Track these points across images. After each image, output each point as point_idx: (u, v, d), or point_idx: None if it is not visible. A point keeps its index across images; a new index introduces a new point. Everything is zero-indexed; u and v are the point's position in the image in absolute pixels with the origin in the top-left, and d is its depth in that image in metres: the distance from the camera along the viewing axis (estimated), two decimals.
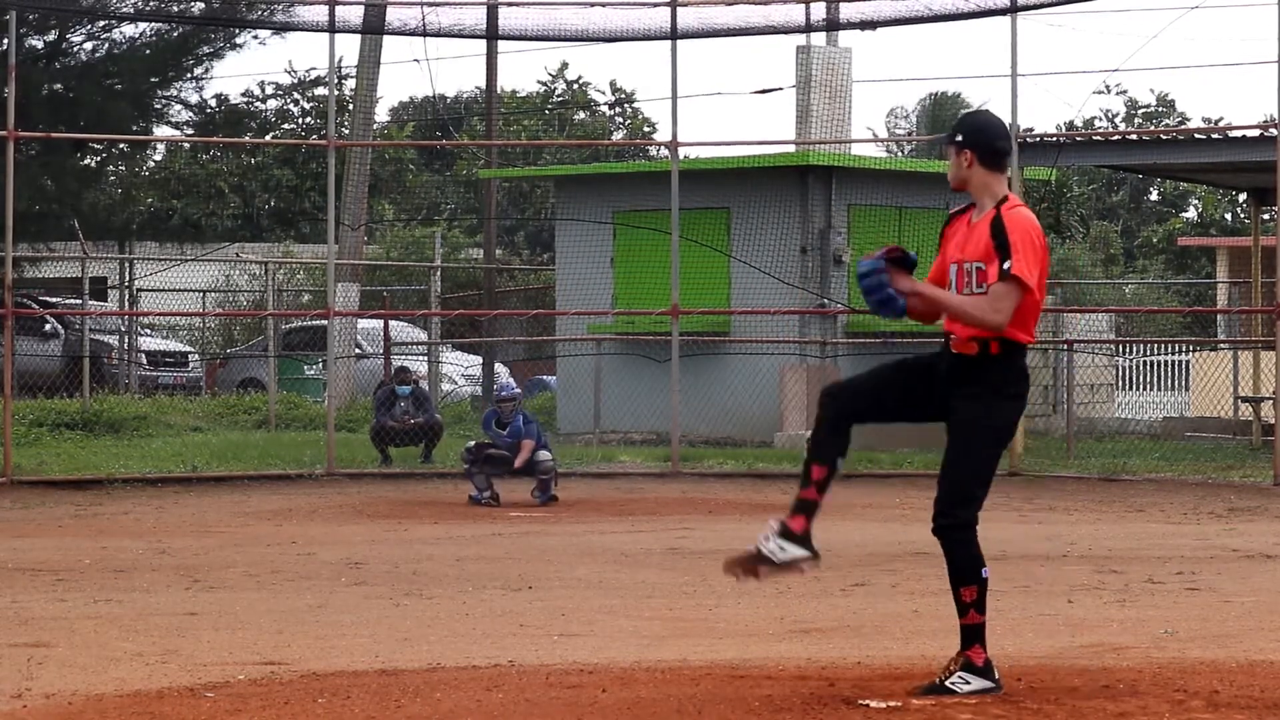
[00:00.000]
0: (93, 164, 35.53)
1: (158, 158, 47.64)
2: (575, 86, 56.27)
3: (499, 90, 37.47)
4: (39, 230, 31.96)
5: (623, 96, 56.63)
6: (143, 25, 31.44)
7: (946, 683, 7.33)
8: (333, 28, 21.48)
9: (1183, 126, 52.41)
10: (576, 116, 55.42)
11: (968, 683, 7.31)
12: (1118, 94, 59.06)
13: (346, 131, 29.94)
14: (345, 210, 28.78)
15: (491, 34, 26.12)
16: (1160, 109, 58.85)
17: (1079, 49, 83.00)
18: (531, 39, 23.35)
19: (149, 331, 34.08)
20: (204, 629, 9.86)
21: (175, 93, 33.38)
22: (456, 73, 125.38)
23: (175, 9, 30.54)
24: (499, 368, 31.35)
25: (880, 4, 21.99)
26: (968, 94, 58.47)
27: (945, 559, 7.36)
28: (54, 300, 33.32)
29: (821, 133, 26.12)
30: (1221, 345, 29.01)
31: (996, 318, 7.24)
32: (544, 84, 56.22)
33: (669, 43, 21.55)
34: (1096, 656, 8.67)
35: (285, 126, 49.50)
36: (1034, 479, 20.28)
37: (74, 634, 9.67)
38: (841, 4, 22.76)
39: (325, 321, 23.80)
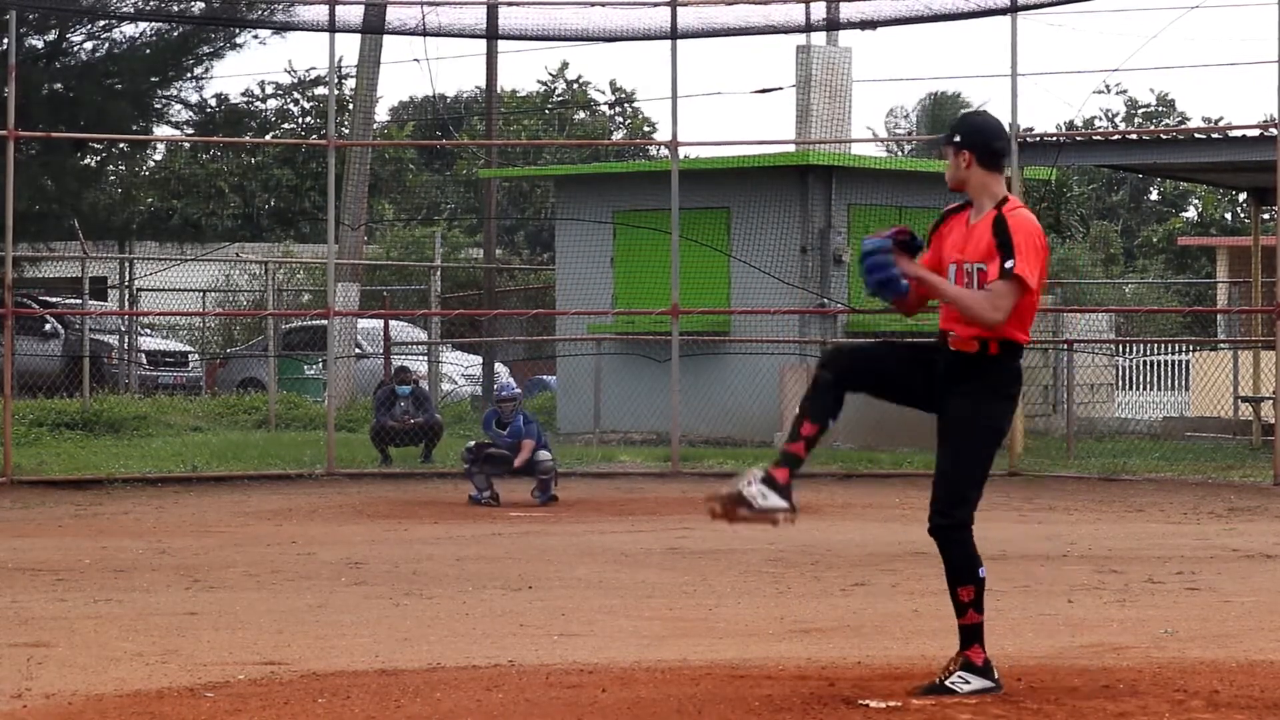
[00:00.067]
0: (93, 164, 35.53)
1: (158, 157, 47.67)
2: (575, 86, 56.29)
3: (499, 90, 37.47)
4: (39, 230, 31.97)
5: (623, 96, 56.65)
6: (143, 25, 31.45)
7: (946, 682, 7.33)
8: (333, 27, 21.48)
9: (1183, 126, 52.41)
10: (576, 116, 55.43)
11: (968, 682, 7.31)
12: (1118, 94, 59.11)
13: (346, 131, 29.95)
14: (345, 210, 28.79)
15: (491, 34, 26.12)
16: (1160, 109, 58.85)
17: (1079, 49, 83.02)
18: (531, 39, 23.36)
19: (149, 331, 34.08)
20: (204, 629, 9.86)
21: (175, 92, 33.41)
22: (456, 72, 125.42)
23: (175, 9, 30.53)
24: (499, 368, 31.35)
25: (880, 4, 22.00)
26: (968, 94, 58.48)
27: (942, 559, 7.36)
28: (54, 300, 33.33)
29: (821, 132, 26.12)
30: (1221, 345, 29.01)
31: (995, 315, 7.24)
32: (544, 84, 56.26)
33: (669, 42, 21.55)
34: (1096, 656, 8.67)
35: (285, 126, 49.51)
36: (1034, 479, 20.28)
37: (74, 634, 9.67)
38: (841, 4, 22.76)
39: (325, 321, 23.81)
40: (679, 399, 21.89)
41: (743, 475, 7.34)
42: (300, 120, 50.09)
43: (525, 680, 7.94)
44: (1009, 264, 7.25)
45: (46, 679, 8.21)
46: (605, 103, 56.58)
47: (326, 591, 11.52)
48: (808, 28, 23.39)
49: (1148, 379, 35.29)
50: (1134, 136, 29.90)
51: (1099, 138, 31.27)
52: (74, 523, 16.45)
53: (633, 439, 25.16)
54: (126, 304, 33.59)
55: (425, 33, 22.68)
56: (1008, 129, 21.73)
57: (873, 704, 7.19)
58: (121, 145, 35.91)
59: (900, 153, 51.14)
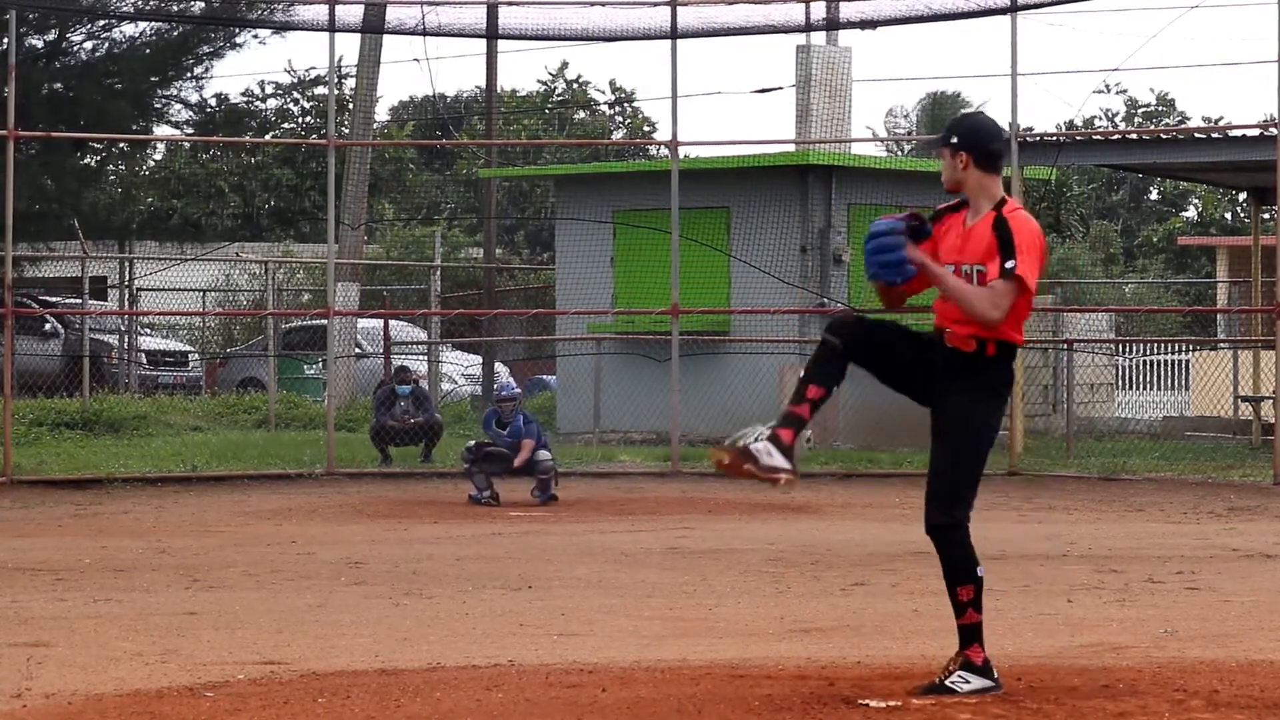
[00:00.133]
0: (93, 163, 35.54)
1: (158, 157, 47.70)
2: (575, 86, 56.30)
3: (499, 90, 37.47)
4: (39, 230, 31.97)
5: (623, 96, 56.66)
6: (143, 24, 31.46)
7: (946, 682, 7.33)
8: (333, 27, 21.48)
9: (1183, 126, 52.42)
10: (576, 116, 55.44)
11: (968, 682, 7.31)
12: (1118, 93, 59.12)
13: (346, 131, 29.95)
14: (345, 210, 28.79)
15: (491, 33, 26.12)
16: (1160, 108, 58.86)
17: (1079, 49, 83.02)
18: (531, 38, 23.36)
19: (149, 331, 34.09)
20: (204, 629, 9.86)
21: (175, 92, 33.42)
22: (456, 72, 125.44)
23: (175, 8, 30.54)
24: (499, 367, 31.35)
25: (880, 3, 22.00)
26: (967, 93, 58.52)
27: (940, 559, 7.36)
28: (54, 300, 33.33)
29: (821, 132, 26.12)
30: (1221, 345, 29.01)
31: (995, 314, 7.24)
32: (544, 83, 56.28)
33: (669, 42, 21.56)
34: (1096, 656, 8.67)
35: (285, 126, 49.53)
36: (1034, 479, 20.28)
37: (74, 634, 9.67)
38: (841, 3, 22.76)
39: (325, 321, 23.81)
40: (679, 399, 21.89)
41: (749, 431, 7.29)
42: (300, 120, 50.11)
43: (525, 680, 7.94)
44: (1009, 264, 7.25)
45: (46, 679, 8.21)
46: (605, 102, 56.61)
47: (326, 591, 11.52)
48: (808, 27, 23.39)
49: (1148, 379, 35.30)
50: (1134, 136, 29.91)
51: (1099, 137, 31.27)
52: (74, 522, 16.45)
53: (632, 439, 25.16)
54: (126, 304, 33.60)
55: (425, 32, 22.69)
56: (1007, 129, 21.73)
57: (873, 704, 7.19)
58: (121, 145, 35.92)
59: (900, 152, 51.14)
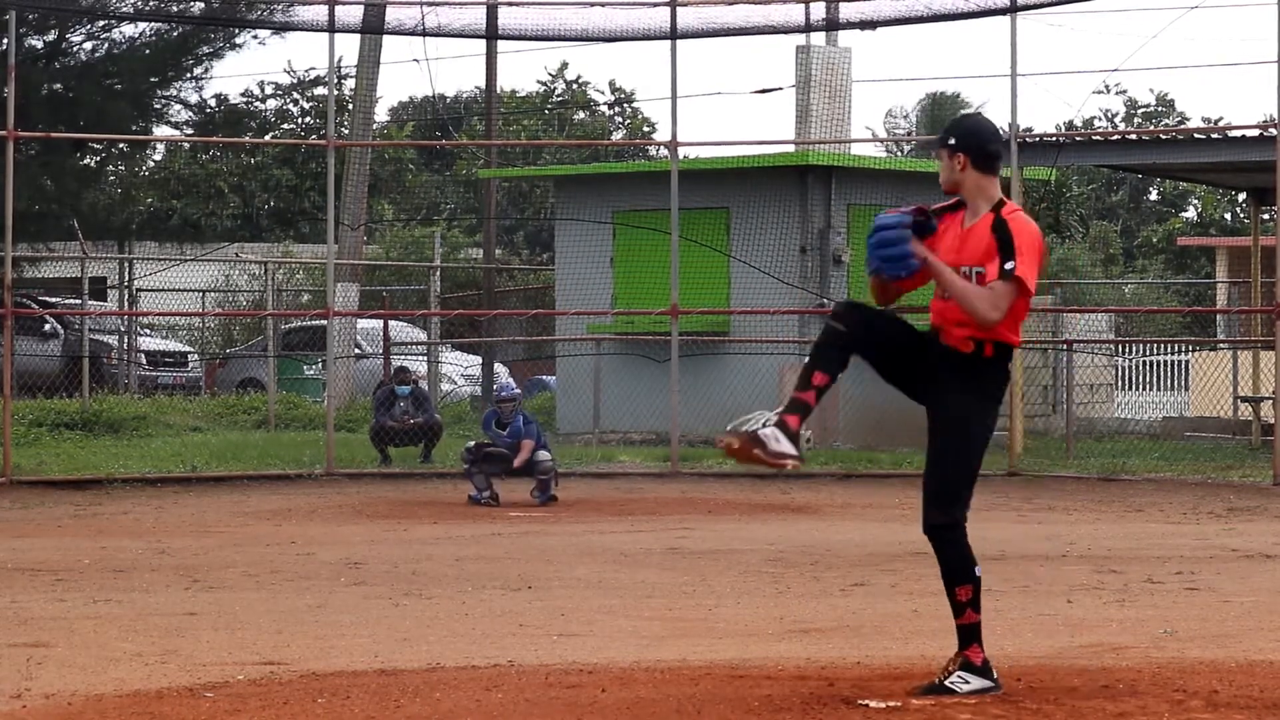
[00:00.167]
0: (92, 164, 35.54)
1: (157, 158, 47.69)
2: (575, 86, 56.29)
3: (499, 90, 37.47)
4: (39, 230, 31.97)
5: (622, 96, 56.66)
6: (142, 25, 31.46)
7: (946, 682, 7.33)
8: (332, 27, 21.48)
9: (1182, 126, 52.41)
10: (576, 116, 55.44)
11: (967, 682, 7.31)
12: (1117, 94, 59.11)
13: (346, 131, 29.95)
14: (345, 210, 28.79)
15: (491, 34, 26.13)
16: (1160, 109, 58.85)
17: (1079, 49, 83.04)
18: (531, 39, 23.35)
19: (148, 331, 34.09)
20: (203, 629, 9.86)
21: (175, 93, 33.43)
22: (456, 73, 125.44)
23: (175, 9, 30.54)
24: (499, 368, 31.35)
25: (880, 4, 22.00)
26: (967, 94, 58.51)
27: (938, 560, 7.36)
28: (54, 300, 33.32)
29: (821, 132, 26.12)
30: (1221, 345, 29.02)
31: (994, 314, 7.24)
32: (544, 84, 56.27)
33: (669, 42, 21.56)
34: (1096, 656, 8.67)
35: (285, 126, 49.52)
36: (1033, 479, 20.28)
37: (73, 634, 9.67)
38: (841, 4, 22.77)
39: (325, 321, 23.81)
40: (678, 399, 21.89)
41: (756, 416, 7.28)
42: (300, 120, 50.11)
43: (525, 680, 7.94)
44: (1009, 265, 7.24)
45: (46, 679, 8.21)
46: (605, 103, 56.61)
47: (326, 591, 11.52)
48: (807, 28, 23.39)
49: (1147, 379, 35.30)
50: (1134, 136, 29.91)
51: (1099, 138, 31.27)
52: (73, 523, 16.45)
53: (632, 439, 25.16)
54: (126, 304, 33.59)
55: (425, 33, 22.69)
56: (1007, 129, 21.74)
57: (872, 704, 7.19)
58: (121, 145, 35.92)
59: (900, 153, 51.15)
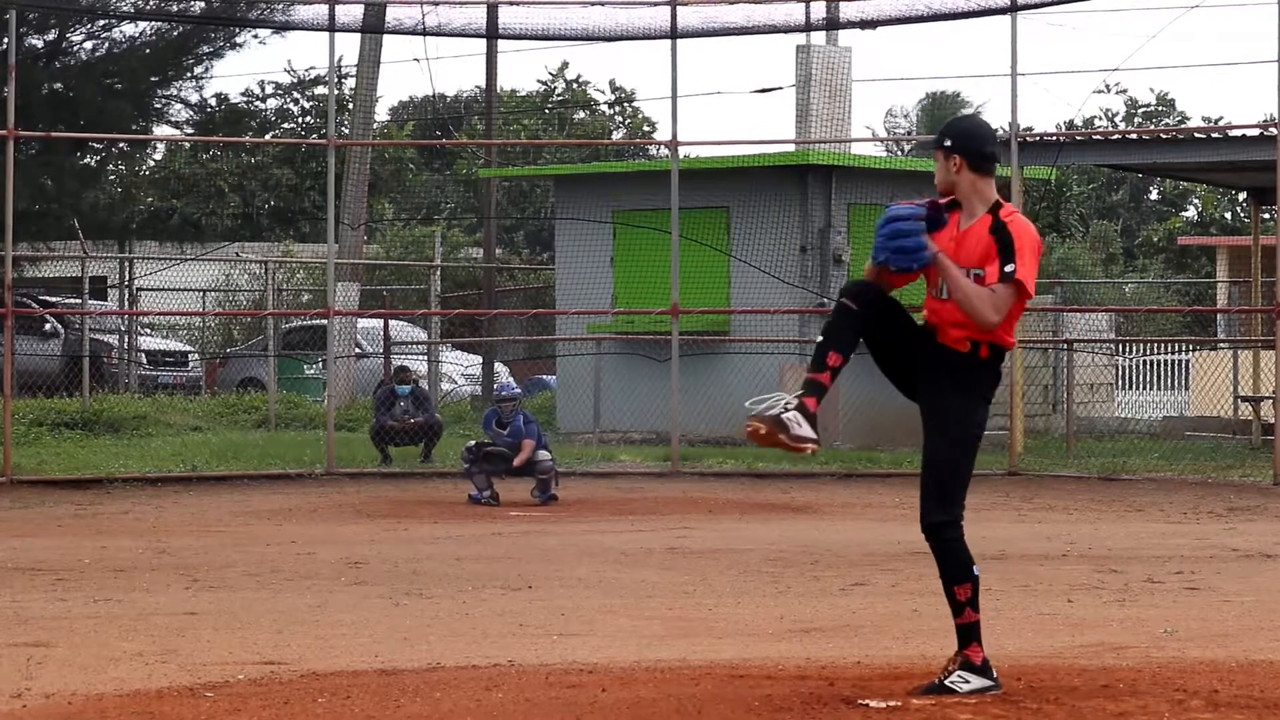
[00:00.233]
0: (92, 163, 35.54)
1: (158, 157, 47.72)
2: (575, 86, 56.30)
3: (499, 89, 37.47)
4: (39, 230, 31.97)
5: (623, 96, 56.66)
6: (143, 24, 31.48)
7: (946, 682, 7.34)
8: (333, 27, 21.48)
9: (1182, 126, 52.41)
10: (576, 116, 55.44)
11: (967, 681, 7.31)
12: (1117, 93, 59.07)
13: (346, 131, 29.95)
14: (345, 209, 28.79)
15: (491, 33, 26.13)
16: (1160, 108, 58.83)
17: (1079, 49, 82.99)
18: (531, 38, 23.36)
19: (149, 331, 34.09)
20: (204, 628, 9.87)
21: (175, 92, 33.42)
22: (456, 72, 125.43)
23: (175, 8, 30.55)
24: (499, 367, 31.36)
25: (880, 3, 22.00)
26: (967, 93, 58.50)
27: (936, 560, 7.36)
28: (54, 300, 33.32)
29: (821, 132, 26.11)
30: (1221, 345, 29.01)
31: (995, 317, 7.24)
32: (544, 83, 56.29)
33: (669, 42, 21.56)
34: (1096, 656, 8.67)
35: (285, 126, 49.54)
36: (1034, 478, 20.28)
37: (74, 634, 9.67)
38: (841, 3, 22.77)
39: (325, 321, 23.81)
40: (679, 399, 21.90)
41: (777, 400, 7.28)
42: (300, 120, 50.13)
43: (525, 680, 7.94)
44: (1009, 268, 7.24)
45: (46, 679, 8.21)
46: (605, 102, 56.61)
47: (327, 591, 11.52)
48: (808, 27, 23.39)
49: (1148, 379, 35.29)
50: (1134, 136, 29.89)
51: (1099, 137, 31.27)
52: (74, 522, 16.45)
53: (632, 438, 25.16)
54: (126, 304, 33.58)
55: (425, 32, 22.69)
56: (1007, 128, 21.74)
57: (872, 704, 7.19)
58: (121, 145, 35.92)
59: (900, 152, 51.16)
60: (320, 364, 30.29)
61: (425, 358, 29.83)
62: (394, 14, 23.57)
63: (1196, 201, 55.05)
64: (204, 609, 10.67)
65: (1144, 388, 34.57)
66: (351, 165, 29.85)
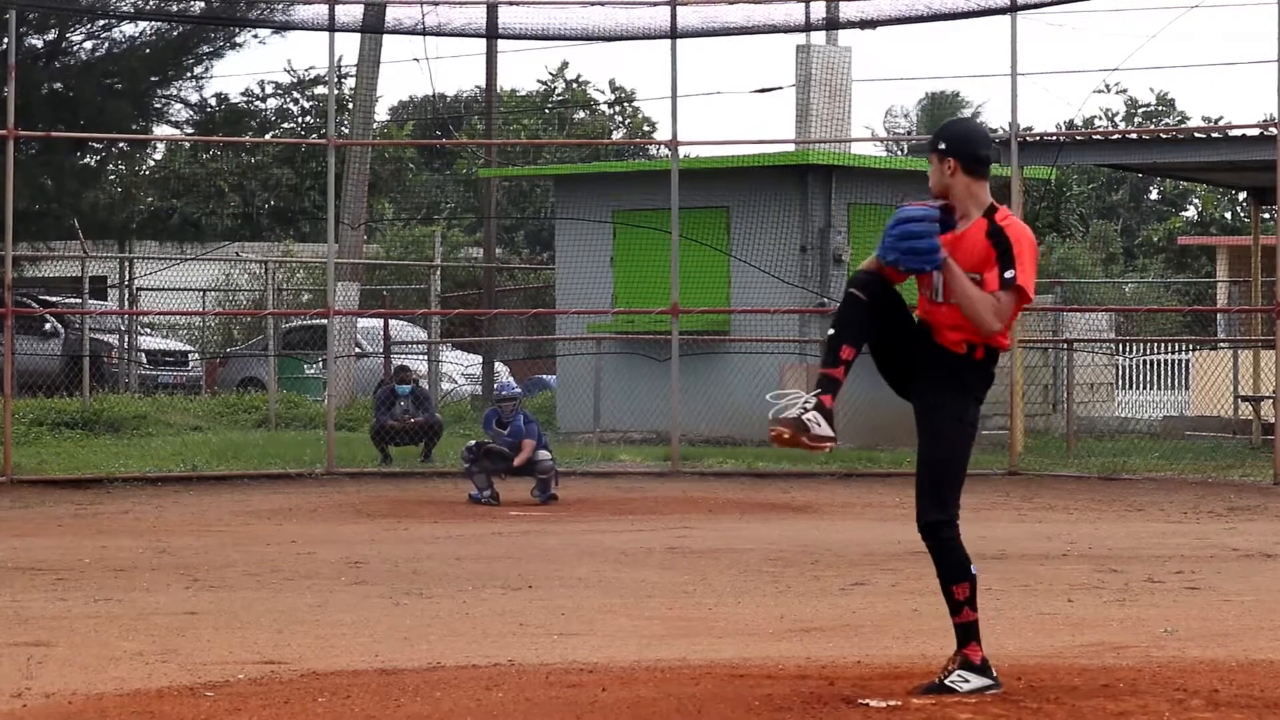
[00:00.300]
0: (92, 163, 35.55)
1: (158, 157, 47.72)
2: (575, 86, 56.30)
3: (499, 89, 37.47)
4: (39, 229, 31.98)
5: (623, 96, 56.66)
6: (143, 24, 31.48)
7: (946, 681, 7.34)
8: (333, 27, 21.48)
9: (1182, 126, 52.41)
10: (576, 115, 55.44)
11: (967, 681, 7.32)
12: (1117, 93, 59.08)
13: (346, 131, 29.95)
14: (345, 209, 28.79)
15: (491, 33, 26.13)
16: (1160, 108, 58.83)
17: (1079, 48, 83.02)
18: (531, 38, 23.36)
19: (149, 331, 34.09)
20: (204, 628, 9.87)
21: (175, 92, 33.43)
22: (456, 72, 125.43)
23: (175, 8, 30.56)
24: (499, 367, 31.36)
25: (880, 3, 22.00)
26: (967, 93, 58.49)
27: (933, 559, 7.36)
28: (54, 299, 33.33)
29: (821, 132, 26.11)
30: (1221, 344, 29.01)
31: (998, 324, 7.26)
32: (544, 83, 56.29)
33: (669, 42, 21.56)
34: (1096, 656, 8.68)
35: (285, 125, 49.54)
36: (1034, 478, 20.28)
37: (74, 633, 9.67)
38: (841, 3, 22.77)
39: (325, 320, 23.81)
40: (679, 398, 21.89)
41: (795, 400, 7.28)
42: (300, 120, 50.13)
43: (525, 680, 7.94)
44: (1009, 274, 7.23)
45: (46, 678, 8.21)
46: (605, 102, 56.61)
47: (327, 591, 11.52)
48: (807, 27, 23.39)
49: (1148, 378, 35.29)
50: (1134, 136, 29.90)
51: (1099, 137, 31.28)
52: (74, 522, 16.45)
53: (632, 438, 25.16)
54: (126, 303, 33.59)
55: (425, 32, 22.69)
56: (1007, 128, 21.74)
57: (873, 703, 7.19)
58: (121, 145, 35.93)
59: (900, 152, 51.16)
60: (320, 364, 30.30)
61: (425, 357, 29.84)
62: (394, 14, 23.57)
63: (1196, 201, 55.06)
64: (204, 609, 10.67)
65: (1144, 387, 34.57)
66: (351, 165, 29.85)
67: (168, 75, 32.75)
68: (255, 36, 32.35)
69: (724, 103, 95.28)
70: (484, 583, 11.87)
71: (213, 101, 35.94)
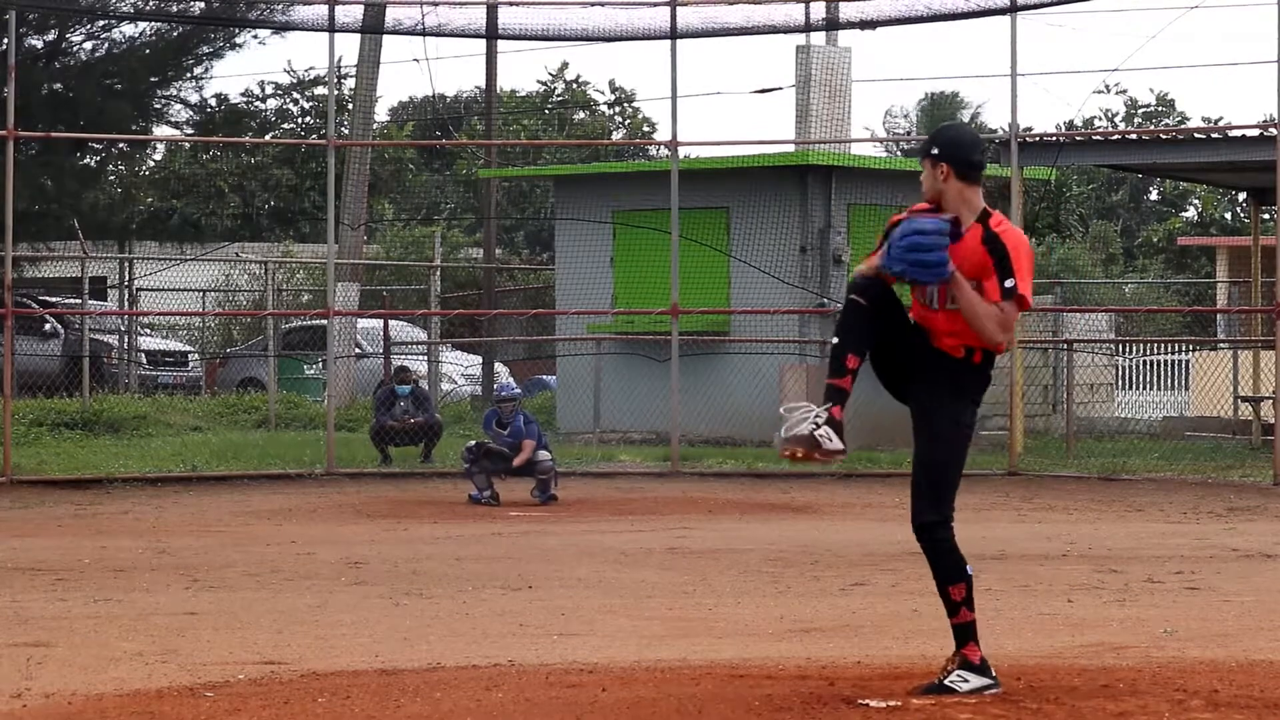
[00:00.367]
0: (92, 164, 35.55)
1: (157, 157, 47.72)
2: (575, 86, 56.30)
3: (499, 90, 37.47)
4: (39, 230, 31.98)
5: (623, 96, 56.66)
6: (142, 25, 31.48)
7: (945, 682, 7.34)
8: (332, 27, 21.48)
9: (1182, 126, 52.40)
10: (576, 116, 55.44)
11: (966, 681, 7.32)
12: (1117, 93, 59.07)
13: (346, 131, 29.95)
14: (345, 210, 28.79)
15: (491, 34, 26.13)
16: (1160, 109, 58.83)
17: (1079, 49, 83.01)
18: (531, 38, 23.36)
19: (149, 331, 34.09)
20: (204, 628, 9.87)
21: (175, 92, 33.43)
22: (456, 72, 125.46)
23: (175, 9, 30.56)
24: (499, 367, 31.36)
25: (880, 3, 22.00)
26: (967, 94, 58.48)
27: (929, 561, 7.37)
28: (54, 300, 33.33)
29: (821, 132, 26.11)
30: (1221, 345, 29.01)
31: (1001, 335, 7.27)
32: (544, 84, 56.28)
33: (669, 42, 21.56)
34: (1096, 656, 8.68)
35: (285, 126, 49.54)
36: (1034, 478, 20.28)
37: (74, 634, 9.67)
38: (841, 3, 22.77)
39: (325, 321, 23.81)
40: (679, 399, 21.89)
41: (805, 416, 7.27)
42: (300, 120, 50.13)
43: (525, 680, 7.94)
44: (1009, 283, 7.23)
45: (46, 679, 8.21)
46: (605, 103, 56.61)
47: (327, 591, 11.52)
48: (807, 27, 23.39)
49: (1148, 379, 35.29)
50: (1134, 136, 29.90)
51: (1099, 138, 31.27)
52: (74, 522, 16.45)
53: (632, 438, 25.16)
54: (126, 304, 33.59)
55: (425, 32, 22.70)
56: (1007, 128, 21.74)
57: (873, 703, 7.20)
58: (121, 145, 35.92)
59: (899, 152, 51.15)
60: (320, 364, 30.29)
61: (425, 358, 29.84)
62: (394, 14, 23.57)
63: (1196, 202, 55.05)
64: (204, 609, 10.67)
65: (1144, 388, 34.56)
66: (351, 165, 29.85)
67: (167, 75, 32.75)
68: (255, 37, 32.36)
69: (724, 103, 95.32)
70: (484, 583, 11.87)
71: (212, 102, 35.95)
